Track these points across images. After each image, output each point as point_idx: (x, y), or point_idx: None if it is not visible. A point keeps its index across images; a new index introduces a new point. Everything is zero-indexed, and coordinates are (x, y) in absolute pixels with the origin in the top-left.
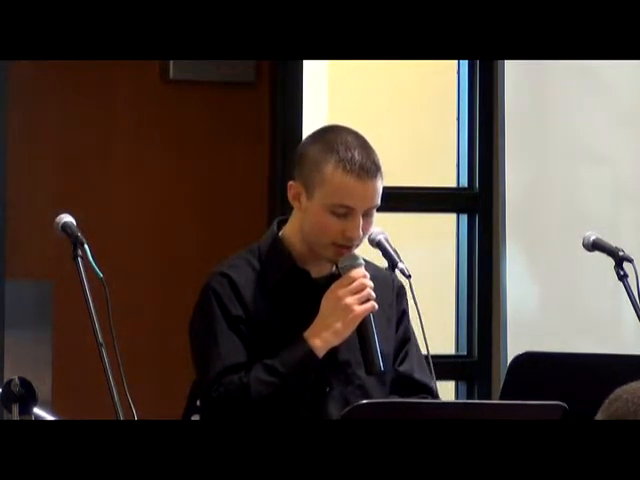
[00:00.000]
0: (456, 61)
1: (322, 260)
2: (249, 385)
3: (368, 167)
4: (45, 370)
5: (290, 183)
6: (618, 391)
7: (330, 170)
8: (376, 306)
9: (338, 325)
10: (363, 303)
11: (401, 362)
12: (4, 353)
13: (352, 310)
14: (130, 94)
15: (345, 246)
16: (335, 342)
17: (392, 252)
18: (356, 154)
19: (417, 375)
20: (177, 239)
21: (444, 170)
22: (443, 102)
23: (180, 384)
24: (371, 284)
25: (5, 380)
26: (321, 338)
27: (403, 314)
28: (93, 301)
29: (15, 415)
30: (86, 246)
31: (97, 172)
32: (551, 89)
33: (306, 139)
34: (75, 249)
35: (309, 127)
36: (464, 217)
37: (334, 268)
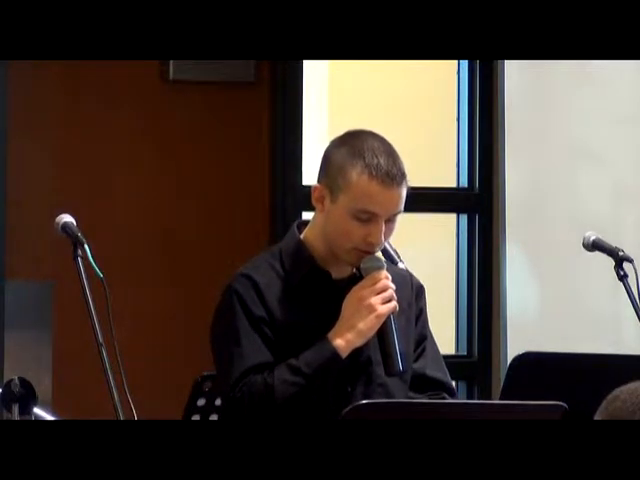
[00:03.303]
0: (456, 61)
1: (344, 263)
2: (273, 385)
3: (394, 174)
4: (45, 370)
5: (315, 185)
6: (617, 391)
7: (356, 175)
8: (397, 307)
9: (361, 325)
10: (386, 303)
11: (416, 359)
12: (4, 353)
13: (375, 310)
14: (130, 94)
15: (366, 251)
16: (359, 342)
17: (392, 252)
18: (382, 160)
19: (430, 372)
20: (177, 239)
21: (444, 170)
22: (443, 102)
23: (180, 384)
24: (393, 285)
25: (5, 380)
26: (345, 339)
27: (421, 313)
28: (93, 301)
29: (15, 415)
30: (86, 246)
31: (97, 172)
32: (551, 89)
33: (332, 142)
34: (75, 249)
35: (309, 127)
36: (464, 217)
37: (354, 269)
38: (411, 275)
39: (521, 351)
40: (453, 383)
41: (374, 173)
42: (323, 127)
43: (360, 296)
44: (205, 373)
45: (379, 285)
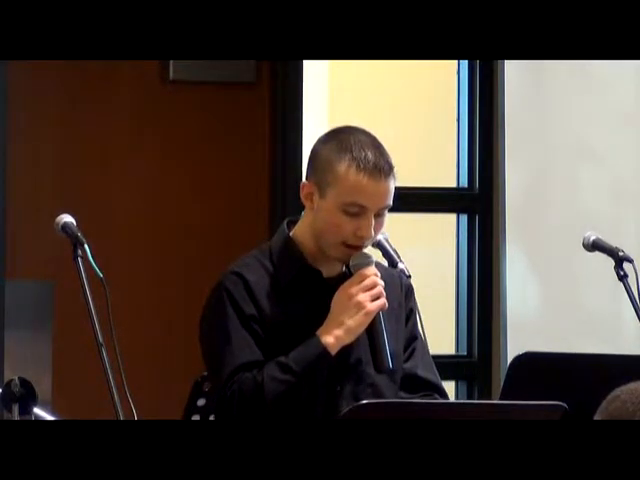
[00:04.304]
0: (456, 61)
1: (333, 260)
2: (263, 383)
3: (381, 166)
4: (45, 370)
5: (303, 182)
6: (616, 391)
7: (343, 169)
8: (387, 304)
9: (350, 322)
10: (374, 300)
11: (406, 360)
12: (4, 353)
13: (364, 307)
14: (130, 94)
15: (356, 246)
16: (348, 339)
17: (392, 252)
18: (369, 153)
19: (421, 372)
20: (177, 239)
21: (444, 170)
22: (443, 102)
23: (180, 384)
24: (382, 282)
25: (5, 380)
26: (334, 336)
27: (411, 313)
28: (93, 301)
29: (15, 415)
30: (86, 246)
31: (97, 172)
32: (551, 89)
33: (319, 139)
34: (75, 249)
35: (309, 127)
36: (464, 217)
37: (344, 267)
38: (400, 275)
39: (521, 351)
40: (453, 383)
41: (362, 166)
42: (323, 127)
43: (349, 293)
44: (205, 373)
45: (368, 282)
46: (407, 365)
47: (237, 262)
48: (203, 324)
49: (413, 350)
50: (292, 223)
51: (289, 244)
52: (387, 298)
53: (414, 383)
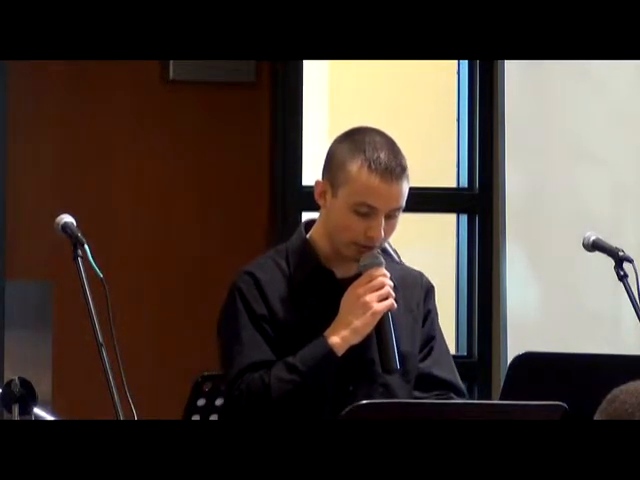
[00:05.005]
0: (456, 61)
1: (347, 260)
2: (270, 383)
3: (393, 168)
4: (45, 370)
5: (317, 180)
6: (616, 391)
7: (355, 169)
8: (395, 304)
9: (357, 323)
10: (382, 301)
11: (422, 359)
12: (4, 353)
13: (371, 307)
14: (130, 95)
15: (366, 246)
16: (354, 340)
17: (392, 252)
18: (382, 155)
19: (436, 371)
20: (177, 239)
21: (444, 170)
22: (443, 102)
23: (180, 384)
24: (391, 283)
25: (5, 380)
26: (340, 336)
27: (429, 313)
28: (93, 301)
29: (15, 415)
30: (86, 246)
31: (97, 172)
32: (551, 89)
33: (336, 138)
34: (75, 249)
35: (309, 127)
36: (464, 217)
37: (360, 268)
38: (421, 275)
39: (521, 351)
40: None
41: (373, 167)
42: (323, 127)
43: (356, 294)
44: (205, 373)
45: (375, 282)
46: (423, 364)
47: (252, 262)
48: (219, 324)
49: (430, 350)
50: (310, 224)
51: (305, 245)
52: (405, 299)
53: (429, 382)
